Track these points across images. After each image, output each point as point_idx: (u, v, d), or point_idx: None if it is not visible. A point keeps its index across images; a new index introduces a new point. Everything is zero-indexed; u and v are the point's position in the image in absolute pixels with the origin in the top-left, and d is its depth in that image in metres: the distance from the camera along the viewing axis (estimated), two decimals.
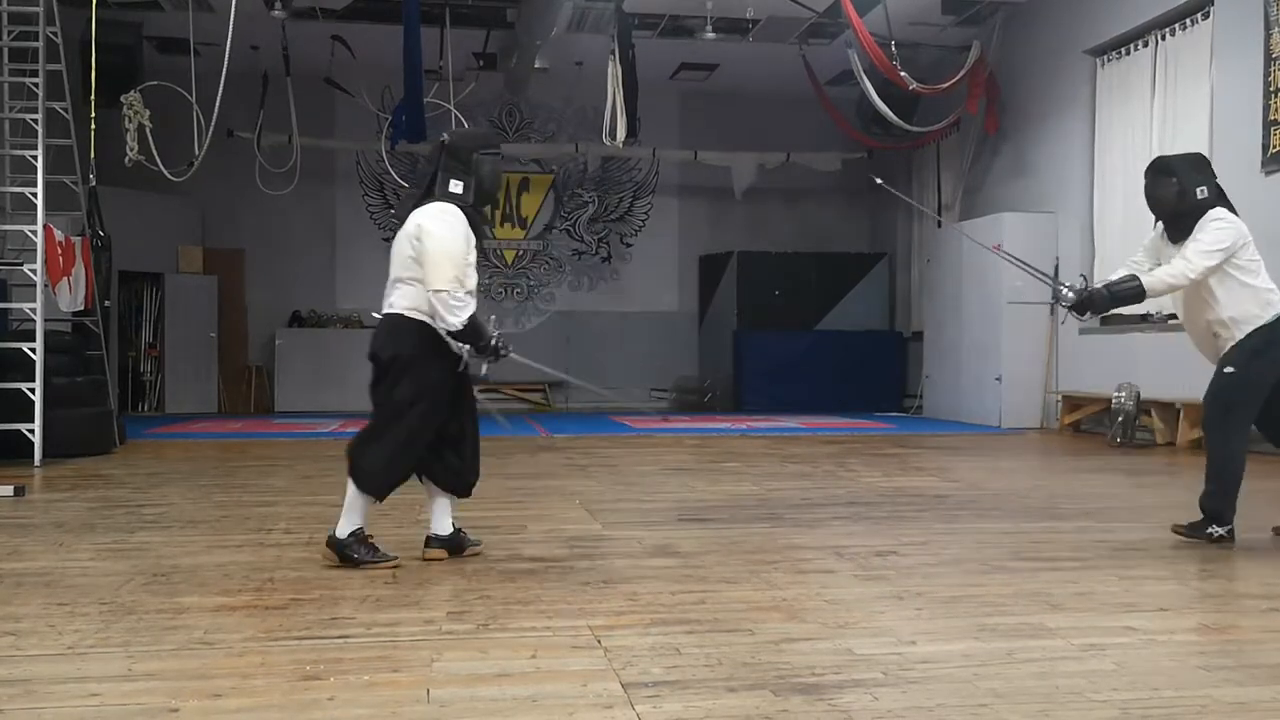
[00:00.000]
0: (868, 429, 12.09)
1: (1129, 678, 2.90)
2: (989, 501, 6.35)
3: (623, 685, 2.80)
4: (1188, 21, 10.27)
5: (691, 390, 16.45)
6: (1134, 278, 4.94)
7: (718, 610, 3.62)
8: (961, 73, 12.72)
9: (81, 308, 9.12)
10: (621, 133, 11.45)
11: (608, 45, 11.76)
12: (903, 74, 11.72)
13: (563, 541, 4.93)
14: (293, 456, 8.78)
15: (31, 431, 8.07)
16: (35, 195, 8.58)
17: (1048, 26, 12.33)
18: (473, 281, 4.30)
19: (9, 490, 6.35)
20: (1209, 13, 9.93)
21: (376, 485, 4.33)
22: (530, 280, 16.86)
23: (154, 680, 2.86)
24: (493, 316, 4.52)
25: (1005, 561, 4.49)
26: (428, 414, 4.30)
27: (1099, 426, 11.08)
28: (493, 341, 4.28)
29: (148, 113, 10.58)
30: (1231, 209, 4.92)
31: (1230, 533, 4.84)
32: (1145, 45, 10.86)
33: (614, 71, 11.41)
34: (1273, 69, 8.99)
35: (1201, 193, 4.86)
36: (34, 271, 8.46)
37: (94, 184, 9.40)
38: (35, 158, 8.64)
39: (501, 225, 16.83)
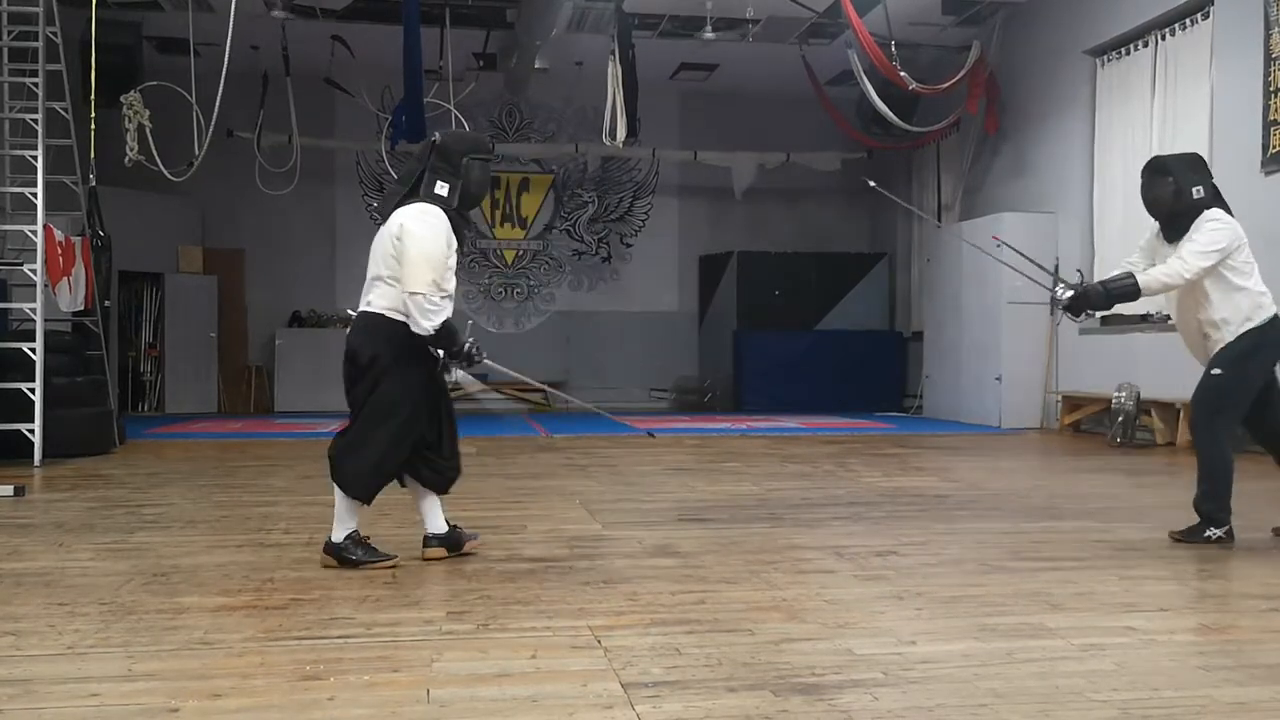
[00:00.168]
0: (868, 429, 12.09)
1: (1129, 678, 2.90)
2: (989, 501, 6.35)
3: (623, 685, 2.80)
4: (1188, 21, 10.27)
5: (691, 390, 16.45)
6: (1129, 275, 4.95)
7: (718, 610, 3.62)
8: (961, 73, 12.72)
9: (81, 308, 9.13)
10: (621, 133, 11.45)
11: (608, 45, 11.76)
12: (903, 74, 11.72)
13: (563, 541, 4.93)
14: (293, 456, 8.77)
15: (31, 431, 8.07)
16: (35, 195, 8.58)
17: (1048, 26, 12.33)
18: (451, 285, 4.26)
19: (9, 490, 6.36)
20: (1209, 13, 9.93)
21: (363, 489, 4.32)
22: (530, 280, 16.86)
23: (154, 680, 2.86)
24: (470, 322, 4.49)
25: (1005, 561, 4.49)
26: (413, 416, 4.29)
27: (1099, 426, 11.08)
28: (465, 347, 4.26)
29: (148, 113, 10.59)
30: (1227, 209, 4.93)
31: (1229, 533, 4.84)
32: (1145, 45, 10.86)
33: (614, 71, 11.41)
34: (1273, 69, 8.99)
35: (1197, 192, 4.87)
36: (34, 271, 8.46)
37: (94, 184, 9.40)
38: (35, 158, 8.65)
39: (501, 225, 16.84)
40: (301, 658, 3.04)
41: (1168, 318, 9.82)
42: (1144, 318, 10.42)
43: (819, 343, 15.46)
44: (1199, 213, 4.83)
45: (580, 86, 14.80)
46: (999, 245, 6.38)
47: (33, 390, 8.14)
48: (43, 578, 4.12)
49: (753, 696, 2.72)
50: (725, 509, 5.96)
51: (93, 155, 9.37)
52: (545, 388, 5.29)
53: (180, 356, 14.80)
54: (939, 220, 14.64)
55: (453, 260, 4.27)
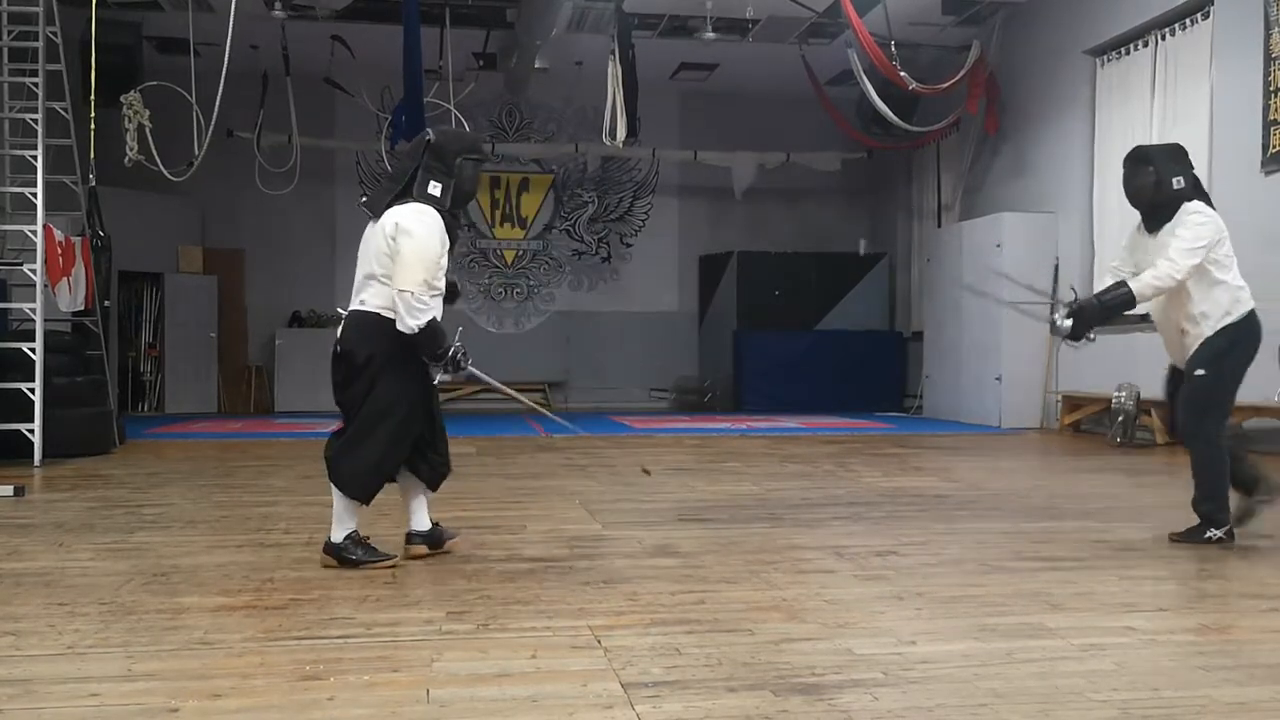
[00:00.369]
0: (868, 429, 12.09)
1: (1129, 678, 2.90)
2: (989, 501, 6.35)
3: (623, 685, 2.80)
4: (1188, 21, 10.27)
5: (691, 390, 16.45)
6: (1122, 284, 4.91)
7: (718, 610, 3.62)
8: (961, 73, 12.72)
9: (81, 308, 9.12)
10: (621, 133, 11.45)
11: (608, 45, 11.76)
12: (903, 74, 11.72)
13: (563, 541, 4.93)
14: (293, 456, 8.77)
15: (31, 431, 8.07)
16: (35, 195, 8.58)
17: (1048, 26, 12.33)
18: (441, 283, 4.28)
19: (9, 490, 6.36)
20: (1209, 13, 9.93)
21: (361, 489, 4.32)
22: (530, 280, 16.85)
23: (154, 680, 2.86)
24: (460, 329, 4.48)
25: (1005, 561, 4.49)
26: (410, 416, 4.29)
27: (1099, 426, 11.08)
28: (451, 352, 4.24)
29: (147, 113, 10.59)
30: (1208, 201, 4.92)
31: (1229, 533, 4.84)
32: (1145, 45, 10.86)
33: (614, 71, 11.41)
34: (1273, 69, 8.99)
35: (1178, 183, 4.86)
36: (34, 271, 8.46)
37: (94, 184, 9.40)
38: (35, 158, 8.64)
39: (501, 225, 16.84)
40: (301, 658, 3.04)
41: (1146, 315, 9.82)
42: (1144, 318, 10.35)
43: (819, 343, 15.46)
44: (1179, 204, 4.83)
45: (580, 86, 14.80)
46: (1002, 275, 6.32)
47: (32, 390, 8.14)
48: (43, 578, 4.12)
49: (753, 696, 2.72)
50: (725, 509, 5.96)
51: (92, 155, 9.37)
52: (521, 398, 5.27)
53: (180, 356, 14.81)
54: (939, 220, 14.65)
55: (445, 260, 4.29)
